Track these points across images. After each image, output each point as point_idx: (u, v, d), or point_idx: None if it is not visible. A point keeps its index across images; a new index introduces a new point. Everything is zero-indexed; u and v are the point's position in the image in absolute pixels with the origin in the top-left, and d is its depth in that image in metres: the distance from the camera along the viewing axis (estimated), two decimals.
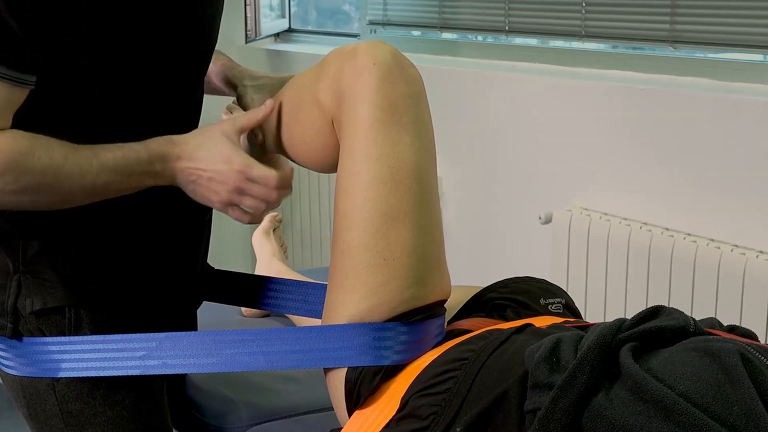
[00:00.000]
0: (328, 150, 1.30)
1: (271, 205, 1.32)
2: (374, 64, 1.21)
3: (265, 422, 1.56)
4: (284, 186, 1.31)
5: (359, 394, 1.20)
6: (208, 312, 1.74)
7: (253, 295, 1.61)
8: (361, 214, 1.20)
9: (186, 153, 1.28)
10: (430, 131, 1.26)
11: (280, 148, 1.41)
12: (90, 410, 1.35)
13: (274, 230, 2.10)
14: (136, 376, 1.32)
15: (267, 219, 2.11)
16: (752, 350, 0.94)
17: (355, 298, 1.20)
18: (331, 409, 1.29)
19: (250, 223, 1.34)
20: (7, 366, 1.36)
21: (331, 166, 1.31)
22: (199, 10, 1.36)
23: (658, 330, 1.01)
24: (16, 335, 1.33)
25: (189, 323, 1.57)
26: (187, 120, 1.41)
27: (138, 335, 1.32)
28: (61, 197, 1.23)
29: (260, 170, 1.28)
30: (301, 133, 1.35)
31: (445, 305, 1.29)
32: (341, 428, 1.22)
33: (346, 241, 1.21)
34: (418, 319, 1.21)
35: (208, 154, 1.27)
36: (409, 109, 1.22)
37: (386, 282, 1.19)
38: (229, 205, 1.30)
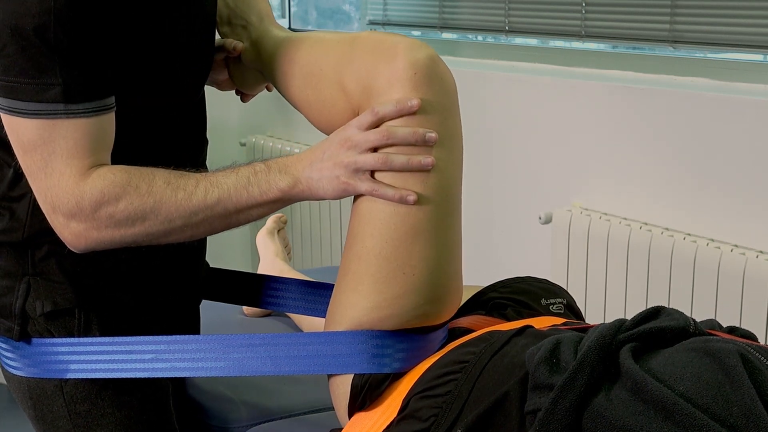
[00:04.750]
0: (339, 121, 1.25)
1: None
2: (415, 73, 1.17)
3: (265, 422, 1.56)
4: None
5: (364, 400, 1.20)
6: (210, 311, 1.74)
7: (255, 294, 1.61)
8: (388, 224, 1.18)
9: (300, 155, 1.25)
10: (461, 146, 1.23)
11: (290, 97, 1.36)
12: (98, 411, 1.35)
13: (278, 231, 2.10)
14: (144, 378, 1.33)
15: (272, 219, 2.11)
16: (752, 350, 0.95)
17: (367, 305, 1.19)
18: (331, 409, 1.29)
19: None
20: (13, 367, 1.36)
21: (331, 129, 1.26)
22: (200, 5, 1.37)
23: (658, 330, 1.01)
24: (24, 337, 1.33)
25: (192, 321, 1.58)
26: (195, 113, 1.43)
27: (146, 338, 1.31)
28: (170, 223, 1.22)
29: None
30: (316, 101, 1.30)
31: None
32: (341, 428, 1.22)
33: (367, 247, 1.19)
34: (423, 330, 1.21)
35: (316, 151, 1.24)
36: (443, 123, 1.19)
37: (402, 296, 1.18)
38: (354, 173, 1.20)
